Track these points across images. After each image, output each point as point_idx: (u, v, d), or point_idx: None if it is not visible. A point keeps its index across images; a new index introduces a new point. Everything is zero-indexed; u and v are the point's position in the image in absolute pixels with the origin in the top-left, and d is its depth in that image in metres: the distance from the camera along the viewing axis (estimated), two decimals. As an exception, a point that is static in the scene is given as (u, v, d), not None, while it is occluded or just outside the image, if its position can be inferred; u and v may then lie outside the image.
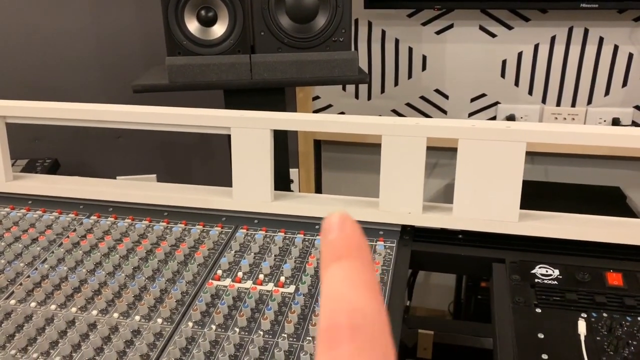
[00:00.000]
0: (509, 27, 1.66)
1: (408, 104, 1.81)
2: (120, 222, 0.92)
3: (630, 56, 1.61)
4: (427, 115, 1.82)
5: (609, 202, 1.72)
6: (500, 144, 0.79)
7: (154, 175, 1.98)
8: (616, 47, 1.61)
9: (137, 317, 0.72)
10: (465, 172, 0.82)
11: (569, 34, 1.63)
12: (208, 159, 1.97)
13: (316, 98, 1.89)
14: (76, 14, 1.78)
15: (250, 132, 0.88)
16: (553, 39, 1.64)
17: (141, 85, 1.25)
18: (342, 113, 1.89)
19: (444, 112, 1.79)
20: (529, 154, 1.79)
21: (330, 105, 1.89)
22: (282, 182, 1.50)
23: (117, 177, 1.96)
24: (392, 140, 0.84)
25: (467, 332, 0.89)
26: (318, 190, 2.06)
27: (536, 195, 1.75)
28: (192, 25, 1.23)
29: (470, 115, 1.77)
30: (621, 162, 1.77)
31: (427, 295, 2.09)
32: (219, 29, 1.24)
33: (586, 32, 1.61)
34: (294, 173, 1.97)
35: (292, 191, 2.01)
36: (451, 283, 1.86)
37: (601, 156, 1.75)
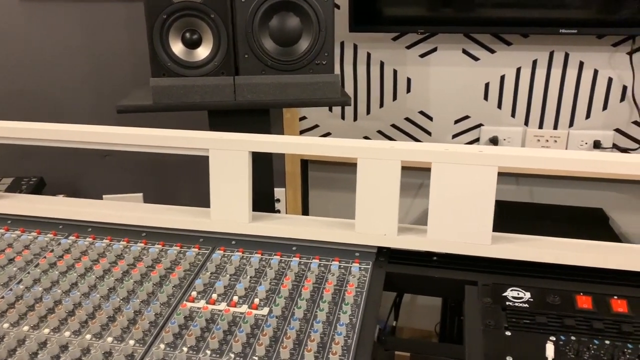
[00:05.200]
0: (492, 51, 1.69)
1: (393, 125, 1.83)
2: (98, 243, 0.92)
3: (610, 80, 1.65)
4: (412, 136, 1.84)
5: (592, 223, 1.73)
6: (472, 168, 0.81)
7: (141, 194, 1.98)
8: (596, 72, 1.64)
9: (110, 339, 0.72)
10: (438, 195, 0.83)
11: (550, 58, 1.66)
12: (195, 178, 1.98)
13: (303, 118, 1.91)
14: (67, 35, 1.80)
15: (228, 153, 0.89)
16: (535, 62, 1.67)
17: (125, 105, 1.26)
18: (329, 133, 1.91)
19: (429, 133, 1.81)
20: (513, 175, 1.82)
21: (316, 126, 1.91)
22: (266, 203, 1.51)
23: (104, 196, 1.97)
24: (368, 163, 0.85)
25: (442, 354, 0.89)
26: (305, 209, 2.06)
27: (521, 217, 1.77)
28: (177, 47, 1.25)
29: (454, 136, 1.80)
30: (604, 184, 1.79)
31: (414, 316, 2.09)
32: (203, 51, 1.26)
33: (567, 56, 1.65)
34: (281, 192, 1.98)
35: (278, 211, 2.02)
36: (438, 303, 1.86)
37: (585, 178, 1.77)
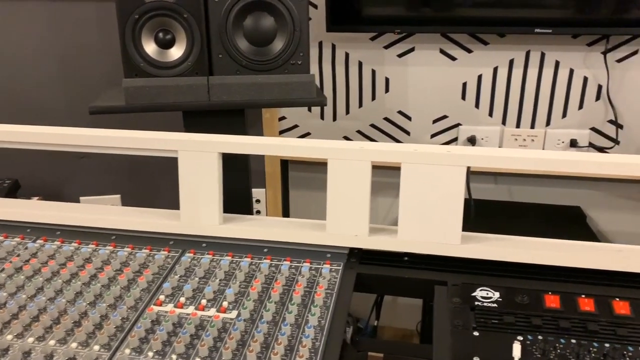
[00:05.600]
0: (469, 51, 1.69)
1: (372, 125, 1.83)
2: (66, 246, 0.91)
3: (585, 79, 1.66)
4: (391, 136, 1.84)
5: (569, 221, 1.75)
6: (441, 168, 0.81)
7: (118, 196, 1.96)
8: (571, 71, 1.66)
9: (74, 344, 0.71)
10: (408, 195, 0.83)
11: (526, 57, 1.67)
12: (174, 179, 1.96)
13: (282, 119, 1.90)
14: (38, 35, 1.78)
15: (197, 155, 0.88)
16: (511, 62, 1.68)
17: (97, 106, 1.24)
18: (308, 133, 1.90)
19: (407, 133, 1.82)
20: (492, 174, 1.83)
21: (296, 126, 1.90)
22: (244, 204, 1.50)
23: (81, 199, 1.94)
24: (338, 164, 0.85)
25: (415, 355, 0.89)
26: (285, 210, 2.06)
27: (499, 215, 1.78)
28: (150, 48, 1.23)
29: (433, 136, 1.80)
30: (582, 182, 1.81)
31: (396, 315, 2.09)
32: (176, 52, 1.24)
33: (543, 56, 1.66)
34: (261, 193, 1.97)
35: (258, 211, 2.01)
36: (419, 303, 1.87)
37: (563, 176, 1.79)
